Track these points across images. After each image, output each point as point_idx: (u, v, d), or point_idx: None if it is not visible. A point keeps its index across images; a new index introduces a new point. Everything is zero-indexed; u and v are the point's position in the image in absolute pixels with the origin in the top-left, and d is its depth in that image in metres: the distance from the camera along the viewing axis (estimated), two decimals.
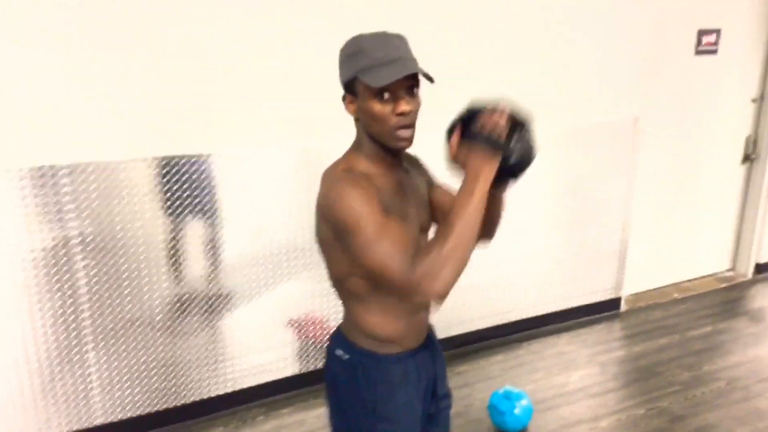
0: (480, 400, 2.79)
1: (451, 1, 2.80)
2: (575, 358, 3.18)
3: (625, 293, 3.72)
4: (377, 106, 1.25)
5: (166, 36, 2.31)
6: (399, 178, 1.38)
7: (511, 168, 1.27)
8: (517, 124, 1.26)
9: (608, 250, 3.56)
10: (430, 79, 1.26)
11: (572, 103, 3.23)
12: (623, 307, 3.73)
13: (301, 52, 2.54)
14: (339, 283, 1.40)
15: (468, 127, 1.26)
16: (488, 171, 1.23)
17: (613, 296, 3.68)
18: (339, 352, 1.44)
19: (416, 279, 1.17)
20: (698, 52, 3.64)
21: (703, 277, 4.18)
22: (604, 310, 3.67)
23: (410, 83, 1.26)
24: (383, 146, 1.31)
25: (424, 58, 1.33)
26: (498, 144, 1.23)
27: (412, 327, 1.44)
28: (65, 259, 2.29)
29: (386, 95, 1.25)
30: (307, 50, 2.54)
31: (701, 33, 3.61)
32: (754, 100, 3.97)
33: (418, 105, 1.29)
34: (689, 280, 4.12)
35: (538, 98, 3.11)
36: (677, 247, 4.00)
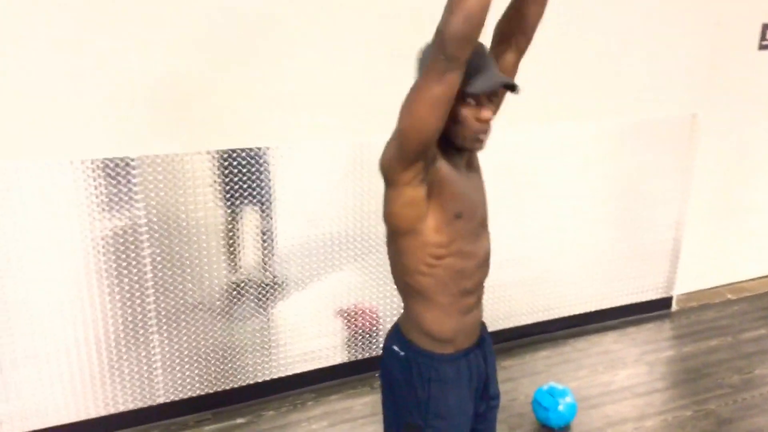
0: (524, 395, 2.83)
1: None
2: (622, 357, 3.18)
3: (676, 292, 3.68)
4: (463, 111, 1.32)
5: (225, 34, 2.40)
6: (464, 173, 1.45)
7: None
8: None
9: (661, 249, 3.52)
10: (516, 89, 1.31)
11: (628, 98, 3.19)
12: (674, 306, 3.68)
13: (356, 48, 2.60)
14: (403, 280, 1.47)
15: None
16: None
17: (664, 295, 3.64)
18: (396, 348, 1.52)
19: (439, 34, 1.21)
20: (762, 47, 3.53)
21: (760, 278, 4.08)
22: (655, 309, 3.63)
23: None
24: (454, 144, 1.38)
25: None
26: None
27: (466, 326, 1.50)
28: (134, 246, 2.43)
29: (471, 101, 1.32)
30: (363, 46, 2.60)
31: (766, 27, 3.50)
32: None
33: (496, 112, 1.35)
34: (744, 281, 4.03)
35: (592, 92, 3.11)
36: (732, 247, 3.91)
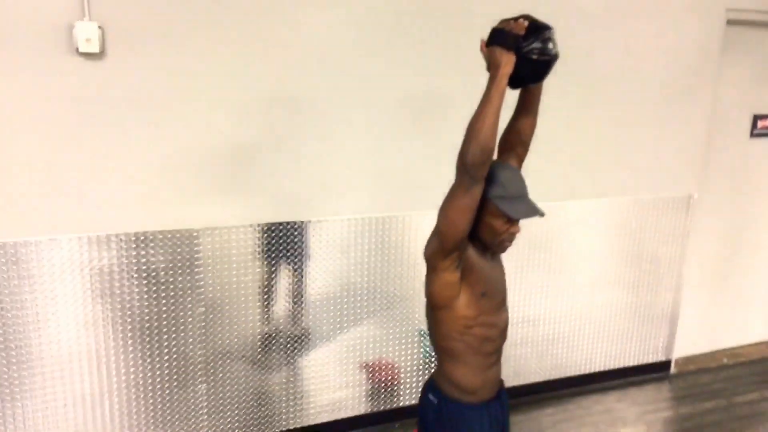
0: None
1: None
2: (623, 416, 3.45)
3: (675, 356, 3.95)
4: (499, 225, 1.71)
5: (277, 119, 2.79)
6: (489, 260, 1.81)
7: (532, 62, 1.60)
8: (538, 28, 1.61)
9: (660, 314, 3.82)
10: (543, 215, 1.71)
11: (634, 179, 3.54)
12: (673, 369, 3.95)
13: (384, 134, 2.98)
14: (439, 343, 1.83)
15: (492, 32, 1.64)
16: (507, 60, 1.58)
17: (663, 358, 3.92)
18: (431, 396, 1.88)
19: (461, 160, 1.59)
20: (753, 135, 3.88)
21: (756, 343, 4.35)
22: (655, 371, 3.91)
23: None
24: (484, 242, 1.76)
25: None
26: (513, 37, 1.58)
27: (488, 381, 1.85)
28: (191, 304, 2.78)
29: (508, 218, 1.70)
30: (388, 132, 2.98)
31: (756, 117, 3.86)
32: None
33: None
34: (740, 346, 4.30)
35: (604, 174, 3.46)
36: (729, 314, 4.20)
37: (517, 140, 1.90)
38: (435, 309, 1.78)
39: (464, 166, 1.58)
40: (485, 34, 1.69)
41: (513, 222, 1.71)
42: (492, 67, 1.61)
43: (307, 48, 2.74)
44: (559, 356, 3.63)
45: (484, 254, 1.78)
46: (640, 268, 3.69)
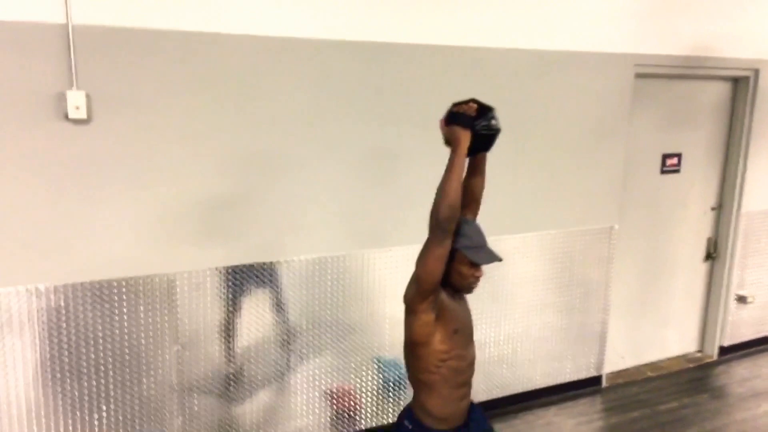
0: None
1: None
2: (561, 428, 3.83)
3: (606, 371, 4.39)
4: (466, 270, 2.06)
5: (243, 172, 3.08)
6: (458, 301, 2.16)
7: (482, 136, 2.04)
8: (485, 109, 2.04)
9: (591, 333, 4.25)
10: (501, 260, 2.07)
11: (562, 214, 3.98)
12: (604, 383, 4.39)
13: (345, 183, 3.31)
14: (416, 376, 2.14)
15: (450, 114, 2.07)
16: (464, 136, 1.99)
17: (595, 373, 4.35)
18: (406, 422, 2.19)
19: (435, 218, 1.93)
20: (663, 172, 4.42)
21: (675, 357, 4.85)
22: (588, 385, 4.33)
23: None
24: (453, 286, 2.11)
25: None
26: (468, 118, 2.01)
27: (458, 410, 2.17)
28: (167, 343, 3.00)
29: (473, 264, 2.05)
30: (349, 181, 3.32)
31: (665, 156, 4.40)
32: (713, 209, 4.74)
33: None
34: (662, 360, 4.79)
35: (537, 210, 3.88)
36: (651, 331, 4.69)
37: (471, 198, 2.28)
38: (414, 346, 2.09)
39: (438, 222, 1.92)
40: (440, 112, 2.09)
41: (477, 267, 2.06)
42: (453, 142, 2.00)
43: (276, 108, 3.05)
44: (504, 376, 4.00)
45: (454, 297, 2.12)
46: (571, 292, 4.12)
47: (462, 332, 2.12)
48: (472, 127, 2.00)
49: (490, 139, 2.08)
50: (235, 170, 3.03)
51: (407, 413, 2.21)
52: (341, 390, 3.52)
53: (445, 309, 2.06)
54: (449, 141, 2.04)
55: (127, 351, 2.92)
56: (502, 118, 2.12)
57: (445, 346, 2.06)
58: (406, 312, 2.06)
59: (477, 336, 3.86)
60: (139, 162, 2.80)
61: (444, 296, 2.07)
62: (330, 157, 3.24)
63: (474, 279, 2.08)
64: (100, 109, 2.67)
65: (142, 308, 2.92)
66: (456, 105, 2.08)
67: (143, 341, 2.95)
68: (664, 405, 4.16)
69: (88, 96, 2.62)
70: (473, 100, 2.07)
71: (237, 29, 2.89)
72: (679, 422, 3.93)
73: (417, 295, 2.00)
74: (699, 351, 4.96)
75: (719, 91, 4.56)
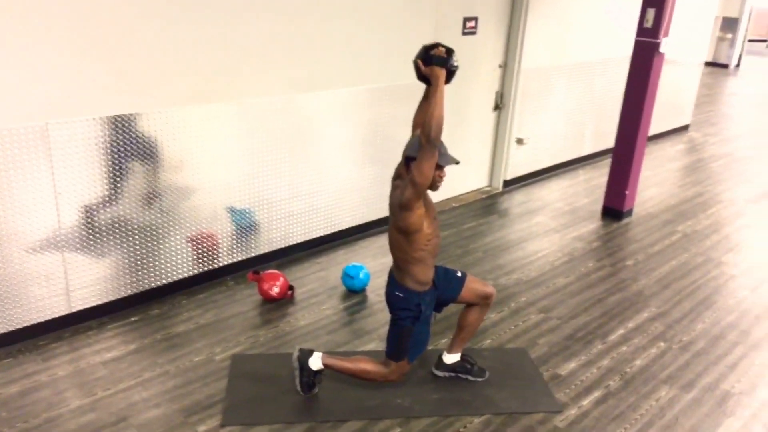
0: (334, 276, 4.16)
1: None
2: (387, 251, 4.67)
3: None
4: (435, 172, 2.61)
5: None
6: (428, 194, 2.75)
7: (450, 72, 2.66)
8: (450, 51, 2.68)
9: None
10: (458, 162, 2.70)
11: (373, 69, 4.58)
12: None
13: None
14: (410, 254, 2.73)
15: (427, 57, 2.67)
16: (442, 73, 2.61)
17: None
18: (398, 293, 2.82)
19: (427, 136, 2.50)
20: (464, 33, 5.20)
21: (471, 191, 5.96)
22: None
23: None
24: None
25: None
26: (444, 60, 2.63)
27: (432, 274, 2.84)
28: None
29: (439, 167, 2.62)
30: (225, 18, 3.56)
31: (466, 19, 5.17)
32: (500, 66, 5.71)
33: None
34: (462, 194, 5.86)
35: (346, 68, 4.40)
36: (454, 171, 5.64)
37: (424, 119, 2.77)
38: (410, 234, 2.66)
39: (431, 139, 2.49)
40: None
41: (441, 169, 2.64)
42: (434, 78, 2.61)
43: None
44: (341, 215, 4.68)
45: (426, 194, 2.72)
46: (382, 141, 4.82)
47: (436, 218, 2.78)
48: (447, 66, 2.62)
49: (453, 75, 2.70)
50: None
51: (395, 287, 2.82)
52: (202, 234, 3.93)
53: (428, 203, 2.72)
54: (426, 77, 2.65)
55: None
56: None
57: (430, 230, 2.73)
58: (404, 212, 2.60)
59: (299, 189, 4.45)
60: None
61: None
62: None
63: (439, 179, 2.67)
64: None
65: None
66: (428, 49, 2.66)
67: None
68: (466, 225, 5.22)
69: None
70: (440, 44, 2.67)
71: None
72: (478, 235, 5.02)
73: (414, 196, 2.57)
74: (488, 186, 6.12)
75: None
